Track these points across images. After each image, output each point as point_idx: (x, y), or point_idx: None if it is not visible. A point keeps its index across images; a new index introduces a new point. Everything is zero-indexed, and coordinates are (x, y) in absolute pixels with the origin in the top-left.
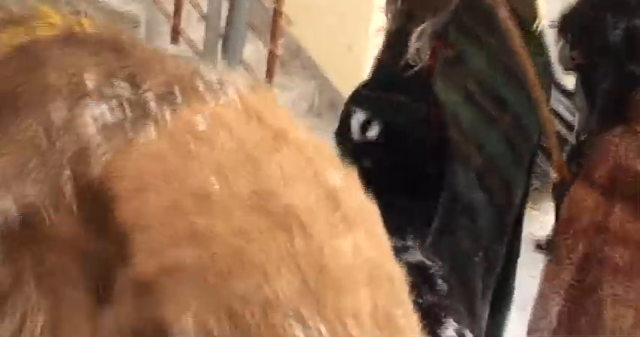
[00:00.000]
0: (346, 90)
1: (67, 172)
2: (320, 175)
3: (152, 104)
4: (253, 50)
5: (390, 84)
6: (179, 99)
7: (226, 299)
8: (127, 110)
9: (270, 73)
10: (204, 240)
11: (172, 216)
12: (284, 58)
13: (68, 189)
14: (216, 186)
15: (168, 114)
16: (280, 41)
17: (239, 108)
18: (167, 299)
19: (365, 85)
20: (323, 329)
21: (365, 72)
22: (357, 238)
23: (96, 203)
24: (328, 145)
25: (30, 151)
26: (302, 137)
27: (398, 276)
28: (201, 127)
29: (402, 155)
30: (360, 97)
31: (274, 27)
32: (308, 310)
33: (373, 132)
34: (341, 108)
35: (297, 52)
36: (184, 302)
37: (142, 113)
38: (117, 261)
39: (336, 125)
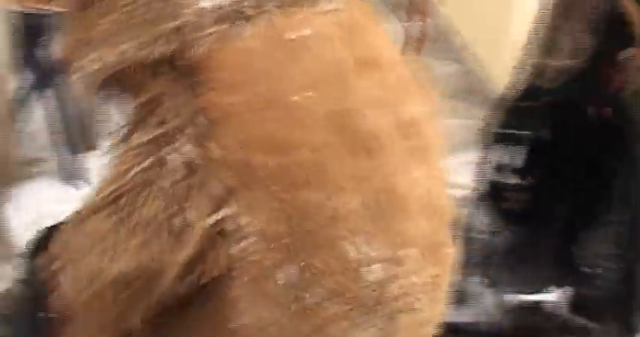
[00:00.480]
0: (489, 74)
1: (165, 38)
2: (400, 105)
3: (255, 3)
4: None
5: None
6: (281, 4)
7: (295, 207)
8: (233, 3)
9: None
10: (283, 147)
11: (257, 117)
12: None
13: (164, 53)
14: (304, 96)
15: (268, 16)
16: (428, 21)
17: (339, 21)
18: (240, 199)
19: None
20: (380, 250)
21: (510, 57)
22: (423, 169)
23: (187, 79)
24: (416, 76)
25: (134, 15)
26: (393, 62)
27: (449, 212)
28: (300, 34)
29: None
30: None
31: (423, 5)
32: (370, 230)
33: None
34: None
35: (437, 34)
36: (257, 206)
37: (242, 10)
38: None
39: (467, 110)
